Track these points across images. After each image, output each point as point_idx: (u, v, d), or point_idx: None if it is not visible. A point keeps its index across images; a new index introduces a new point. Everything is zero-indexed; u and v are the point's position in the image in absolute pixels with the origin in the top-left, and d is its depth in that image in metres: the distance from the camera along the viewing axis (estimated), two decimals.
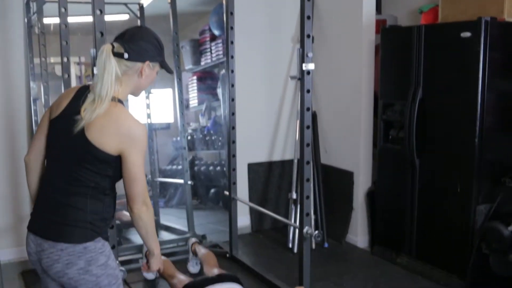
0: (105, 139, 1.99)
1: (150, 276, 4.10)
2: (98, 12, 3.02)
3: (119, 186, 2.15)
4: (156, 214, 5.55)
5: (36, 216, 2.12)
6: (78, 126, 2.00)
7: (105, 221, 2.12)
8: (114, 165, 2.03)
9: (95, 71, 2.10)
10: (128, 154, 2.01)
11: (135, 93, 2.19)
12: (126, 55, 2.04)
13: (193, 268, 4.18)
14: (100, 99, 2.00)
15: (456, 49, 3.76)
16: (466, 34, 3.65)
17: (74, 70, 4.20)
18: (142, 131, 2.07)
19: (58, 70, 4.48)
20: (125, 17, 5.27)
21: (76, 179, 2.01)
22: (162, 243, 4.82)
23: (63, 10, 3.46)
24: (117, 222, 3.92)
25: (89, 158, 1.99)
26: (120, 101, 2.08)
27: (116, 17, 5.17)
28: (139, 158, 2.05)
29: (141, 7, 5.21)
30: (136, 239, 5.12)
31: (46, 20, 4.38)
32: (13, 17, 4.29)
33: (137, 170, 2.04)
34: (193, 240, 4.25)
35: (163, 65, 2.21)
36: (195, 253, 4.12)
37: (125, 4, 5.13)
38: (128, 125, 2.03)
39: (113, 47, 2.05)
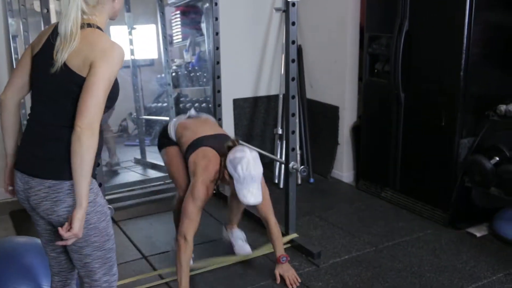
0: (82, 63, 1.94)
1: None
2: None
3: None
4: (143, 152, 5.59)
5: (22, 154, 2.09)
6: (55, 67, 1.96)
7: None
8: None
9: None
10: (95, 65, 1.91)
11: (113, 17, 2.15)
12: None
13: (243, 247, 3.75)
14: (65, 39, 1.94)
15: None
16: None
17: (54, 6, 4.08)
18: (118, 50, 1.98)
19: (37, 5, 4.38)
20: None
21: (63, 112, 1.96)
22: (149, 180, 4.91)
23: None
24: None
25: (74, 88, 1.93)
26: (99, 28, 2.03)
27: None
28: (106, 71, 1.92)
29: None
30: (122, 178, 5.19)
31: None
32: None
33: (98, 83, 1.91)
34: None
35: None
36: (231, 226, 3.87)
37: None
38: (103, 43, 1.97)
39: None
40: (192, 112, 3.49)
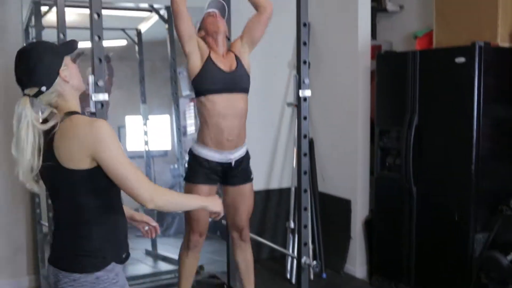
0: (71, 156, 1.95)
1: None
2: (96, 38, 3.04)
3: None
4: (154, 244, 5.55)
5: (52, 249, 2.14)
6: (41, 176, 2.06)
7: (116, 243, 2.08)
8: (91, 179, 1.98)
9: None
10: (102, 156, 1.94)
11: (80, 90, 2.15)
12: (43, 89, 2.01)
13: None
14: (16, 158, 1.99)
15: (451, 74, 3.80)
16: (461, 60, 3.69)
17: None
18: (101, 126, 1.96)
19: None
20: (122, 42, 5.33)
21: (72, 210, 2.00)
22: (158, 273, 4.85)
23: (61, 36, 3.50)
24: None
25: (72, 182, 1.97)
26: (74, 112, 2.04)
27: (114, 42, 5.23)
28: (116, 153, 1.95)
29: (139, 33, 5.27)
30: (133, 270, 5.14)
31: None
32: (13, 42, 4.32)
33: (122, 167, 1.95)
34: None
35: (68, 51, 2.13)
36: None
37: (123, 29, 5.20)
38: (85, 130, 1.95)
39: (28, 95, 2.02)
40: None
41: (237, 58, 3.34)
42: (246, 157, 3.45)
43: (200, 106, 3.25)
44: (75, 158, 1.96)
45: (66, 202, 2.03)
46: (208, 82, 3.20)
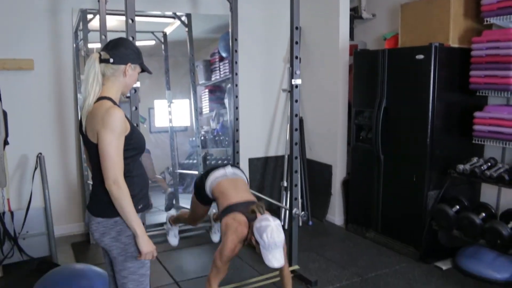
0: (92, 134, 1.97)
1: (173, 240, 3.84)
2: (130, 38, 3.05)
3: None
4: (176, 199, 5.60)
5: (89, 198, 2.16)
6: (83, 127, 2.03)
7: (133, 197, 1.99)
8: None
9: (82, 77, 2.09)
10: (100, 133, 1.93)
11: (125, 92, 2.14)
12: (111, 60, 2.03)
13: (215, 236, 3.83)
14: (84, 97, 2.01)
15: (412, 68, 3.79)
16: (420, 56, 3.69)
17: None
18: (114, 114, 1.94)
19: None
20: (151, 42, 5.30)
21: (99, 169, 1.99)
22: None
23: (103, 37, 3.51)
24: None
25: (95, 151, 1.98)
26: (110, 99, 2.03)
27: (145, 42, 5.20)
28: (109, 136, 1.91)
29: (165, 35, 5.24)
30: (159, 218, 5.19)
31: (90, 45, 4.39)
32: (65, 43, 4.32)
33: (107, 148, 1.92)
34: (213, 211, 3.92)
35: (143, 67, 2.17)
36: (216, 219, 3.81)
37: (152, 32, 5.17)
38: (102, 112, 1.95)
39: (100, 55, 2.04)
40: (229, 170, 3.25)
41: None
42: None
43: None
44: (91, 133, 1.98)
45: (95, 164, 2.02)
46: None
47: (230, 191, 3.04)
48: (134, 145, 2.04)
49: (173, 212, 5.32)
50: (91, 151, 2.03)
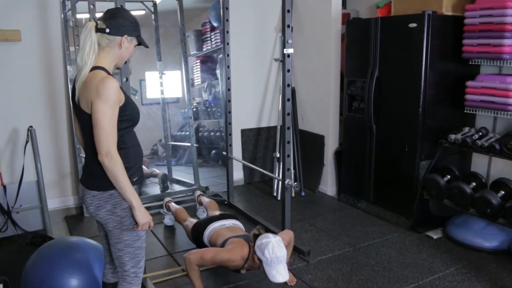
0: (86, 103, 1.93)
1: (168, 222, 4.11)
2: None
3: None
4: (169, 171, 5.61)
5: (82, 171, 2.14)
6: (76, 97, 1.99)
7: (128, 169, 1.98)
8: None
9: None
10: (94, 103, 1.89)
11: (119, 64, 2.11)
12: (107, 30, 1.98)
13: (201, 215, 4.06)
14: (80, 66, 1.97)
15: (405, 37, 3.76)
16: (413, 25, 3.66)
17: None
18: (109, 83, 1.90)
19: None
20: (141, 12, 5.22)
21: (92, 141, 1.95)
22: (174, 193, 4.92)
23: (91, 6, 3.44)
24: None
25: (89, 122, 1.94)
26: (104, 69, 2.00)
27: (135, 12, 5.09)
28: (103, 106, 1.87)
29: (155, 4, 5.16)
30: (152, 190, 5.21)
31: (78, 16, 4.33)
32: (52, 14, 4.24)
33: (101, 118, 1.87)
34: (198, 192, 4.23)
35: (140, 40, 2.12)
36: (200, 203, 4.11)
37: (142, 1, 5.09)
38: (96, 81, 1.92)
39: (97, 24, 2.00)
40: (228, 222, 3.35)
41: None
42: None
43: None
44: (85, 103, 1.94)
45: (89, 136, 1.98)
46: None
47: (228, 233, 3.15)
48: (128, 116, 2.02)
49: (169, 197, 5.38)
50: (84, 122, 1.99)
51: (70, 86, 4.34)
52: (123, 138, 2.02)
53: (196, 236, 3.36)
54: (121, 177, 1.92)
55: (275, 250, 2.65)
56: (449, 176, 3.76)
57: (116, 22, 2.01)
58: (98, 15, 3.42)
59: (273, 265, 2.65)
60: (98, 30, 1.99)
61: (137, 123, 2.12)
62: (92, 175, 2.04)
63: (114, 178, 1.92)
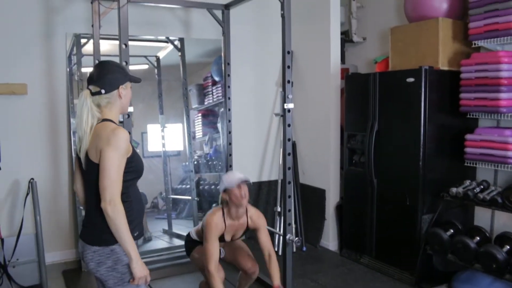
0: (95, 153, 1.96)
1: None
2: (124, 63, 3.09)
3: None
4: (169, 224, 5.56)
5: (82, 225, 2.13)
6: (83, 162, 2.04)
7: (130, 224, 1.97)
8: None
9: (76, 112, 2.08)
10: (103, 151, 1.92)
11: (124, 111, 2.17)
12: (103, 91, 2.04)
13: None
14: (81, 136, 2.02)
15: (403, 91, 3.83)
16: (411, 79, 3.74)
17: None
18: (120, 133, 1.95)
19: None
20: (145, 67, 5.34)
21: (96, 193, 1.96)
22: (173, 248, 4.85)
23: (97, 61, 3.54)
24: None
25: (95, 173, 1.96)
26: (111, 121, 2.05)
27: (138, 67, 5.24)
28: (112, 154, 1.90)
29: (158, 59, 5.29)
30: (153, 245, 5.15)
31: (83, 69, 4.43)
32: (58, 68, 4.34)
33: (108, 165, 1.90)
34: None
35: (132, 80, 2.18)
36: None
37: (145, 56, 5.23)
38: (107, 131, 1.97)
39: (90, 90, 2.06)
40: None
41: (247, 225, 3.22)
42: None
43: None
44: (94, 152, 1.97)
45: (94, 187, 1.98)
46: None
47: None
48: (134, 168, 2.04)
49: (167, 239, 5.30)
50: (90, 173, 2.01)
51: (73, 139, 4.40)
52: (127, 190, 2.03)
53: (187, 240, 3.42)
54: (122, 226, 1.91)
55: (229, 173, 3.12)
56: (452, 230, 3.72)
57: (107, 79, 2.07)
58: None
59: (231, 176, 3.05)
60: (93, 94, 2.05)
61: (141, 176, 2.14)
62: (94, 229, 2.03)
63: (115, 227, 1.91)
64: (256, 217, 3.24)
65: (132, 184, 2.08)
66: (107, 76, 2.07)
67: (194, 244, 3.33)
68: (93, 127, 2.02)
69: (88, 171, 2.04)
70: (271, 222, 5.20)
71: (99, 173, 1.92)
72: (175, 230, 5.47)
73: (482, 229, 3.70)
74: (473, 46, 3.68)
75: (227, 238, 3.13)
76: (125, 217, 1.92)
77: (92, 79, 2.10)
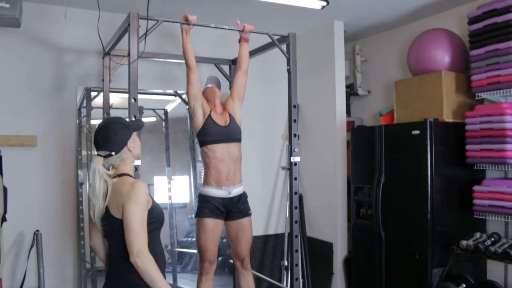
0: (117, 209, 2.00)
1: None
2: (133, 117, 3.14)
3: None
4: (174, 278, 5.47)
5: (106, 279, 2.14)
6: (98, 224, 2.08)
7: None
8: None
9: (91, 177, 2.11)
10: (125, 206, 1.95)
11: (138, 158, 2.24)
12: (113, 153, 2.09)
13: None
14: (94, 203, 2.06)
15: (409, 143, 3.85)
16: (416, 132, 3.76)
17: None
18: (139, 187, 1.99)
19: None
20: (153, 119, 5.42)
21: (122, 249, 1.98)
22: None
23: (106, 114, 3.60)
24: None
25: (119, 228, 1.98)
26: (128, 174, 2.10)
27: (146, 119, 5.32)
28: (134, 208, 1.94)
29: (166, 112, 5.37)
30: None
31: (93, 122, 4.49)
32: (68, 120, 4.40)
33: (132, 219, 1.94)
34: None
35: (136, 129, 2.22)
36: None
37: (153, 109, 5.32)
38: (126, 187, 2.01)
39: (100, 156, 2.10)
40: None
41: (230, 115, 3.43)
42: (244, 195, 3.45)
43: (203, 154, 3.33)
44: (116, 208, 2.00)
45: (117, 243, 2.01)
46: (209, 135, 3.29)
47: None
48: (155, 218, 2.08)
49: None
50: (113, 229, 2.03)
51: (79, 191, 4.41)
52: (152, 241, 2.05)
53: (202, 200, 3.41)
54: (156, 275, 1.94)
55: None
56: (464, 285, 3.63)
57: (114, 141, 2.12)
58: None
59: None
60: (105, 157, 2.11)
61: (163, 224, 2.18)
62: (119, 284, 2.03)
63: (149, 278, 1.93)
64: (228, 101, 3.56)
65: (156, 235, 2.11)
66: (112, 138, 2.12)
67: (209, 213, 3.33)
68: (105, 191, 2.06)
69: (111, 227, 2.06)
70: (278, 277, 5.11)
71: (124, 229, 1.95)
72: (180, 284, 5.37)
73: (495, 284, 3.62)
74: (477, 98, 3.74)
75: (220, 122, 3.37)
76: (156, 266, 1.95)
77: (99, 145, 2.15)
